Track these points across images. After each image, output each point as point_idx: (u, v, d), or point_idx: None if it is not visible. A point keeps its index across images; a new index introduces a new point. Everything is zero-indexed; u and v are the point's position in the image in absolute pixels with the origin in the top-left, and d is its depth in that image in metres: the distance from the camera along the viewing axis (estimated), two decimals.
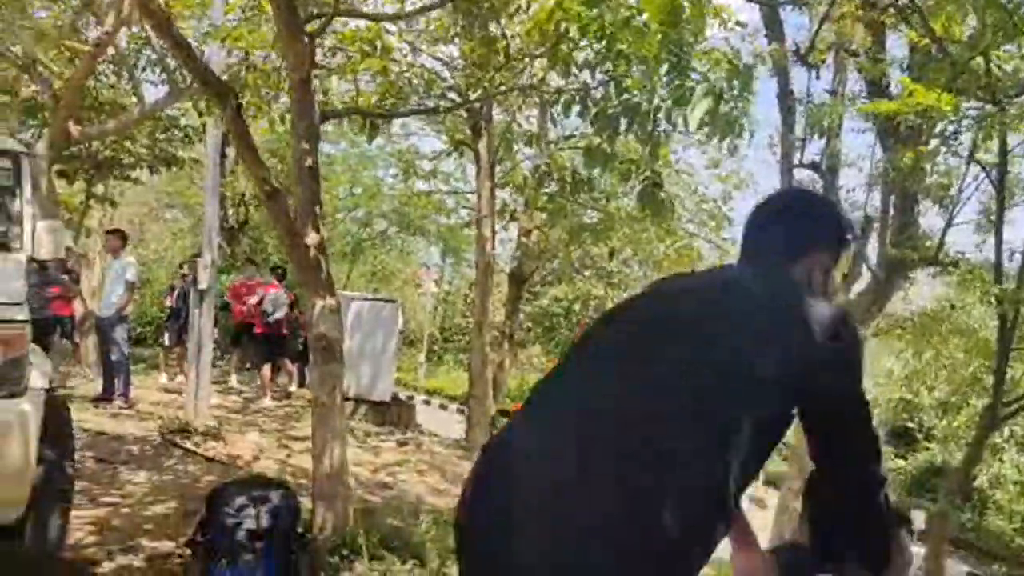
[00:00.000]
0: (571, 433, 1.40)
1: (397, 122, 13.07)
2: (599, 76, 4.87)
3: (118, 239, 8.82)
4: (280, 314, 9.91)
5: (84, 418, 7.41)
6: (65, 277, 8.78)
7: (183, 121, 11.09)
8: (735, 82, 3.79)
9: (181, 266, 11.59)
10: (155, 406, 8.61)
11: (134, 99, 10.14)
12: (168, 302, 10.72)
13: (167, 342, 10.69)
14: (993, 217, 8.61)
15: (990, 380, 8.47)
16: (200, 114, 6.60)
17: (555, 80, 5.72)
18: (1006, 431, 13.68)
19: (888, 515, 1.60)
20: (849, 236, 1.83)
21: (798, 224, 1.73)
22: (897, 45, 9.32)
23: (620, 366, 1.50)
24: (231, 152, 11.70)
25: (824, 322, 1.47)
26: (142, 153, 11.35)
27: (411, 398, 13.69)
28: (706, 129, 4.23)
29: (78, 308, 9.79)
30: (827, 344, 1.46)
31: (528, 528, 1.34)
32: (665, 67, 4.09)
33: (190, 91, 7.15)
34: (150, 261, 20.18)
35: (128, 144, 11.21)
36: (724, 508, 1.38)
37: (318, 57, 5.00)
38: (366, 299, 11.15)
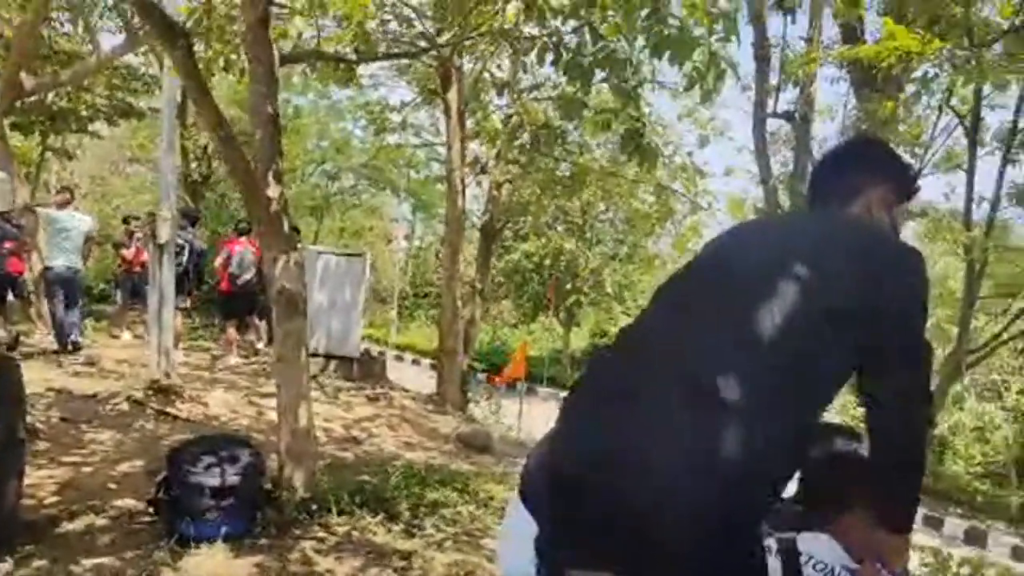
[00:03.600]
0: (658, 376, 1.45)
1: (365, 72, 12.71)
2: (572, 23, 4.70)
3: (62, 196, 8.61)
4: (248, 275, 9.68)
5: (48, 377, 7.26)
6: (15, 231, 8.54)
7: (142, 70, 10.70)
8: (717, 27, 3.66)
9: (126, 221, 11.21)
10: (119, 364, 8.44)
11: (90, 47, 9.73)
12: (129, 255, 10.43)
13: (120, 300, 10.48)
14: (959, 165, 8.64)
15: (953, 330, 8.60)
16: (162, 64, 6.33)
17: (528, 27, 5.53)
18: (967, 379, 14.02)
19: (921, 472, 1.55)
20: (909, 173, 1.88)
21: (851, 166, 1.80)
22: None
23: (699, 312, 1.54)
24: (191, 103, 11.29)
25: (892, 253, 1.54)
26: (99, 104, 10.93)
27: (382, 354, 13.60)
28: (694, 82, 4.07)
29: (36, 264, 9.54)
30: (896, 274, 1.51)
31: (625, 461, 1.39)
32: (644, 13, 3.93)
33: (148, 37, 6.85)
34: (110, 216, 19.72)
35: (85, 95, 10.79)
36: (803, 443, 1.48)
37: None
38: (334, 253, 10.95)
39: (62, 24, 10.10)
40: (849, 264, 1.49)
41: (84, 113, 11.07)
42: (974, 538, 11.35)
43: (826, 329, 1.43)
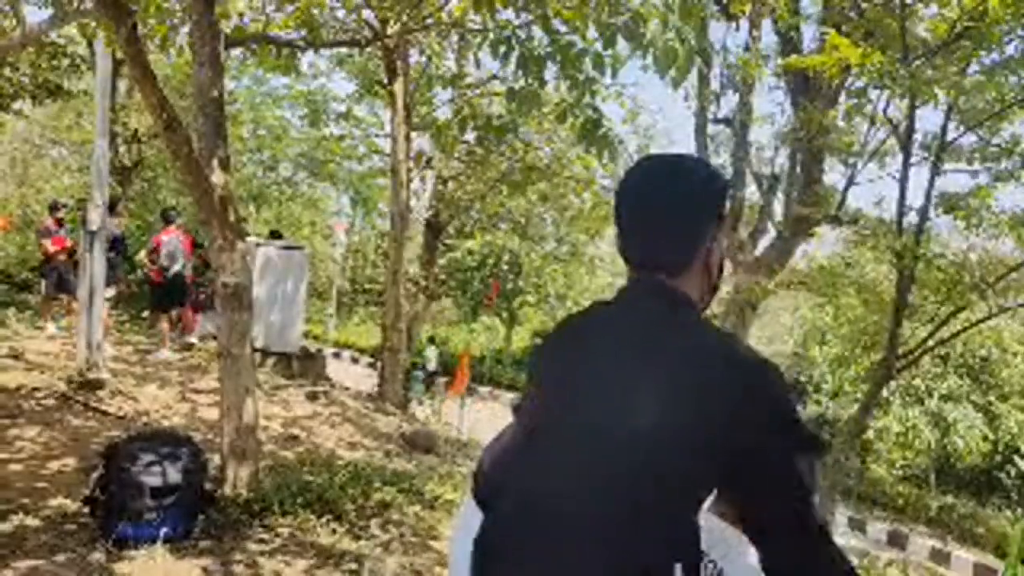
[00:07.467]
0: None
1: (305, 61, 12.43)
2: (524, 16, 4.65)
3: None
4: (177, 266, 9.36)
5: None
6: None
7: (70, 48, 10.19)
8: (671, 20, 3.66)
9: (55, 208, 10.59)
10: (44, 356, 8.04)
11: (14, 22, 9.22)
12: (52, 248, 9.91)
13: (44, 290, 9.99)
14: (887, 175, 8.96)
15: (883, 336, 8.88)
16: (88, 42, 6.00)
17: (477, 19, 5.44)
18: (893, 384, 14.59)
19: None
20: (727, 190, 1.44)
21: (677, 215, 1.36)
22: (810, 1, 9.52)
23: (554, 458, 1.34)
24: (122, 85, 10.81)
25: (750, 383, 1.23)
26: (23, 82, 10.37)
27: (320, 351, 13.38)
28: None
29: None
30: (757, 404, 1.21)
31: None
32: (594, 3, 3.92)
33: (78, 14, 6.49)
34: (31, 200, 18.80)
35: (7, 72, 10.23)
36: None
37: None
38: (275, 245, 10.67)
39: None
40: (707, 412, 1.20)
41: (6, 91, 10.50)
42: (896, 540, 11.80)
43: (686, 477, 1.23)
